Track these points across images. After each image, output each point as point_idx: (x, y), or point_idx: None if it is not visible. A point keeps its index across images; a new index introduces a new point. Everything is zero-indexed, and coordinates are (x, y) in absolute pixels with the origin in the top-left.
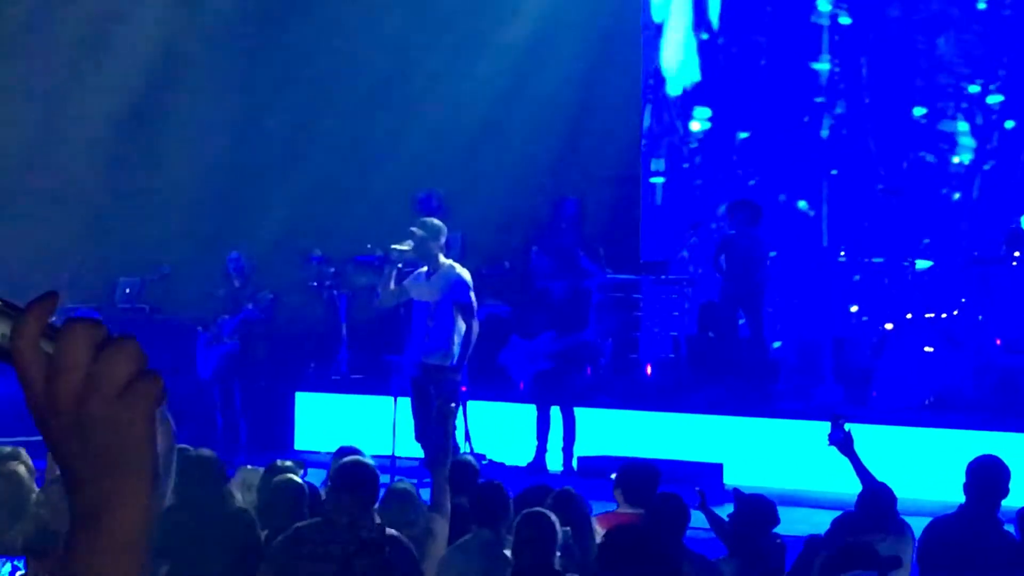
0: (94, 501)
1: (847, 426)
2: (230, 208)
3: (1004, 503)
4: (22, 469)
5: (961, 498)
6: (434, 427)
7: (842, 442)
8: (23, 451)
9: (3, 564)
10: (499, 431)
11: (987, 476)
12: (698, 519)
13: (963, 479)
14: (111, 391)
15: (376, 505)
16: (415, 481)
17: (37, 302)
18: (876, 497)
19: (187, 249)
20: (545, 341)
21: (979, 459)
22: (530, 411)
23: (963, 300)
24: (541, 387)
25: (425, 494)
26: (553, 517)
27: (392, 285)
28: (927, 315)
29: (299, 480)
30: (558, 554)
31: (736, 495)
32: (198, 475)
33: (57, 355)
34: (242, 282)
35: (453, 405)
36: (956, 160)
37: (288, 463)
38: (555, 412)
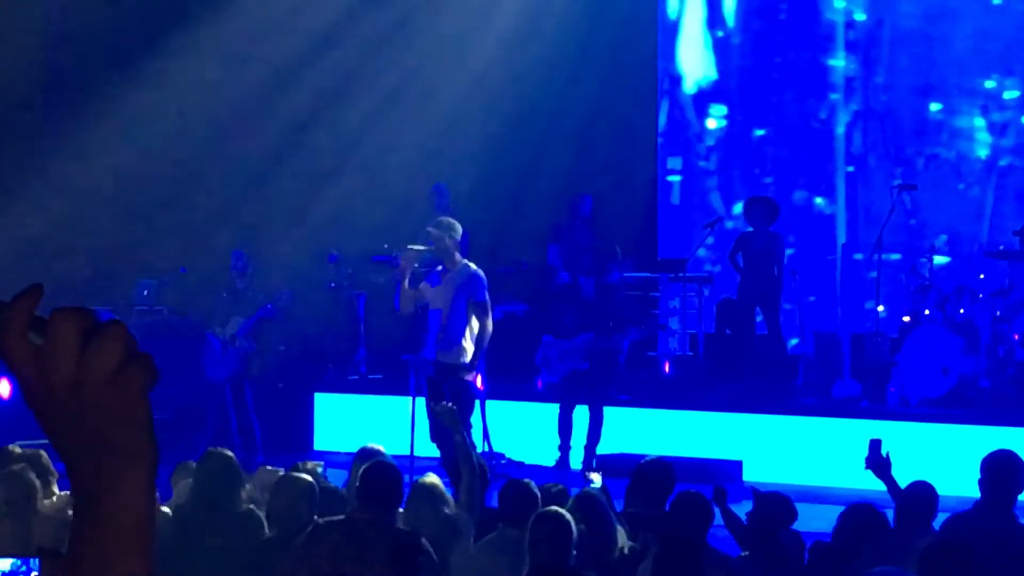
0: (93, 487)
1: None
2: (245, 209)
3: (1021, 497)
4: (28, 471)
5: (978, 493)
6: (445, 430)
7: (879, 466)
8: (43, 453)
9: (20, 565)
10: (518, 430)
11: (1002, 470)
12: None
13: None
14: (102, 377)
15: (401, 505)
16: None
17: (21, 296)
18: (915, 500)
19: (205, 250)
20: (582, 341)
21: (993, 454)
22: (550, 410)
23: (980, 296)
24: (571, 386)
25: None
26: (568, 516)
27: (407, 286)
28: (944, 311)
29: (308, 479)
30: (574, 552)
31: (754, 493)
32: (215, 475)
33: (46, 346)
34: (245, 282)
35: (451, 405)
36: (972, 156)
37: (310, 464)
38: (578, 411)
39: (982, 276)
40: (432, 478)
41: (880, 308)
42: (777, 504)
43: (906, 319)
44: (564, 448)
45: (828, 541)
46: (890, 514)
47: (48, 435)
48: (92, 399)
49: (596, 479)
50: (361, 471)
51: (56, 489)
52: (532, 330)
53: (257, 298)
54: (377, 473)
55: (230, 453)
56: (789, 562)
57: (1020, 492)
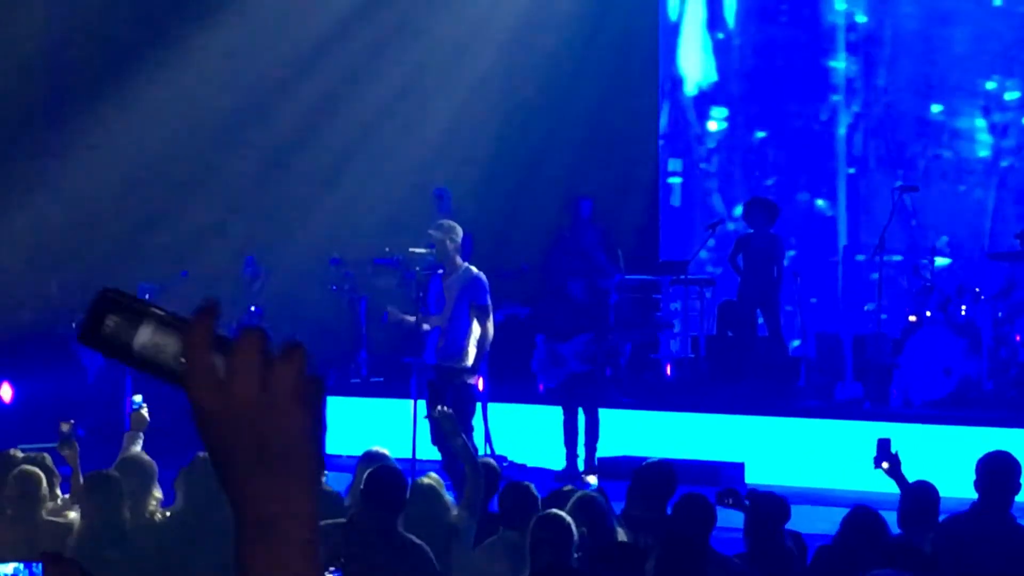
0: (269, 507)
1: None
2: (248, 212)
3: (1018, 498)
4: (36, 474)
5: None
6: (446, 433)
7: (889, 465)
8: (47, 456)
9: (24, 570)
10: (520, 433)
11: (997, 472)
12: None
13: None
14: (285, 396)
15: (403, 509)
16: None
17: (201, 313)
18: (917, 499)
19: (207, 254)
20: (578, 344)
21: (989, 455)
22: (551, 412)
23: (982, 297)
24: (571, 391)
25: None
26: (568, 518)
27: (410, 318)
28: (946, 312)
29: None
30: (576, 555)
31: (748, 495)
32: (206, 480)
33: (233, 367)
34: (259, 286)
35: (448, 410)
36: (974, 157)
37: None
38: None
39: (978, 291)
40: (432, 478)
41: (883, 316)
42: (771, 504)
43: (912, 319)
44: (571, 454)
45: (830, 544)
46: (894, 515)
47: (217, 455)
48: (273, 419)
49: (592, 480)
50: (366, 474)
51: (59, 492)
52: (533, 333)
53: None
54: (382, 476)
55: None
56: (790, 562)
57: (1016, 493)
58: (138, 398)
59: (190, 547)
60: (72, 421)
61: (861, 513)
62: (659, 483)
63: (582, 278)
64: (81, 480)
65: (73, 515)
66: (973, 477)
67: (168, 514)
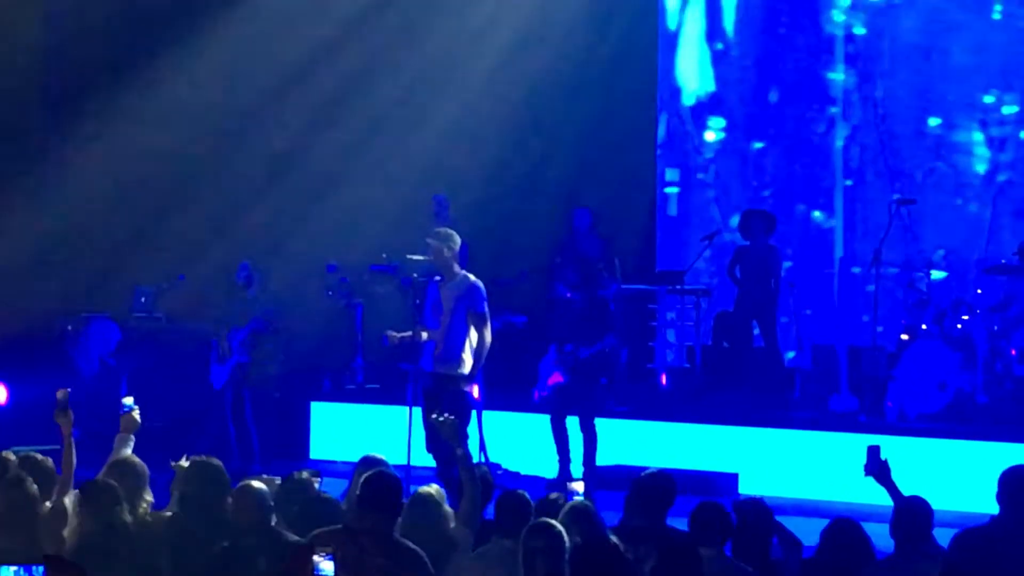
0: None
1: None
2: (245, 217)
3: None
4: (27, 477)
5: (975, 508)
6: (444, 440)
7: (879, 472)
8: (48, 459)
9: (23, 574)
10: (514, 441)
11: (1022, 485)
12: None
13: (977, 489)
14: None
15: (399, 515)
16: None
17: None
18: (912, 513)
19: (204, 258)
20: (564, 355)
21: (1013, 468)
22: (545, 421)
23: (977, 311)
24: (557, 400)
25: None
26: (559, 527)
27: (407, 333)
28: (941, 325)
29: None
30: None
31: (733, 503)
32: (202, 483)
33: None
34: (254, 293)
35: (451, 418)
36: (971, 171)
37: (305, 473)
38: (572, 423)
39: (980, 291)
40: (431, 489)
41: (879, 328)
42: (754, 509)
43: (904, 336)
44: (562, 460)
45: (814, 558)
46: (886, 528)
47: None
48: None
49: (579, 488)
50: (363, 479)
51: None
52: (530, 341)
53: (264, 309)
54: (379, 482)
55: (215, 461)
56: (776, 572)
57: None
58: (129, 400)
59: (183, 548)
60: (68, 389)
61: (841, 526)
62: (659, 493)
63: (577, 288)
64: (73, 449)
65: (71, 511)
66: (968, 491)
67: (167, 514)
